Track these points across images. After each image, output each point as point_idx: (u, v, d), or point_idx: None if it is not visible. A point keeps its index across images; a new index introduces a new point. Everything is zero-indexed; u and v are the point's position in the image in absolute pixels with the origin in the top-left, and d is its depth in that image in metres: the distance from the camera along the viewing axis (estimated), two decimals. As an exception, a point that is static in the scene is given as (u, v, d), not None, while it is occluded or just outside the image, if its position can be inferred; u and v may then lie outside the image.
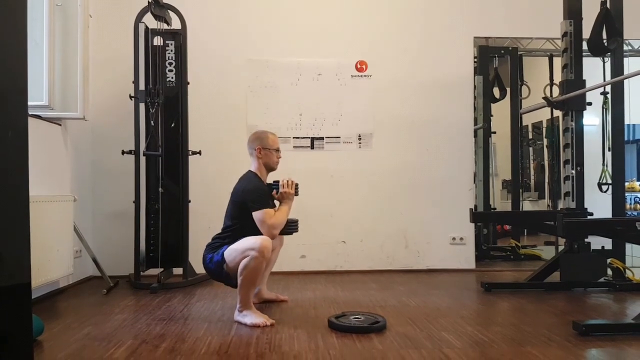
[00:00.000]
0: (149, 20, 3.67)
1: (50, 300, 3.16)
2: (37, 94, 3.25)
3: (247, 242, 2.53)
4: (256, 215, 2.61)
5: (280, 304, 3.04)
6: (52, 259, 3.00)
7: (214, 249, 2.68)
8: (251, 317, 2.55)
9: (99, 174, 4.03)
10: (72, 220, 3.35)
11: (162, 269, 3.64)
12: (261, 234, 2.67)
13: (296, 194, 2.81)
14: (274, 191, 2.76)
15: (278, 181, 2.76)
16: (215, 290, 3.44)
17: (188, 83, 3.73)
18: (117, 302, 3.10)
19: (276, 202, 2.81)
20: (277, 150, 2.85)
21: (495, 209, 5.51)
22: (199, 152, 3.81)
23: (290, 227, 2.80)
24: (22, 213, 1.60)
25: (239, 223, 2.68)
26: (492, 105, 5.30)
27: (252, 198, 2.64)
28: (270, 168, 2.83)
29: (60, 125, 3.50)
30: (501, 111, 5.42)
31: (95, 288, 3.50)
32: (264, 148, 2.79)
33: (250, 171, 2.81)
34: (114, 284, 3.54)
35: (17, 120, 1.59)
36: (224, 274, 2.63)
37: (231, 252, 2.57)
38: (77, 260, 3.53)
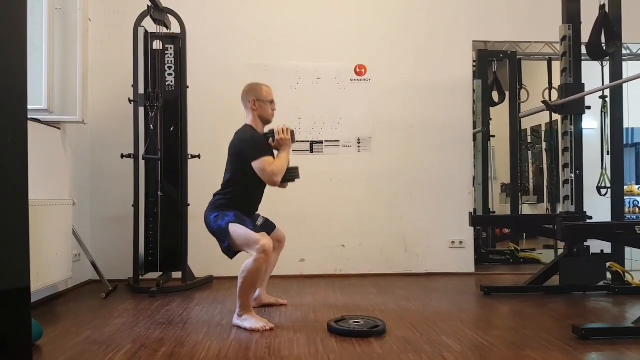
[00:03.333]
0: (149, 24, 3.67)
1: (49, 304, 3.15)
2: (37, 98, 3.24)
3: (251, 235, 2.52)
4: (256, 164, 2.61)
5: (280, 308, 3.03)
6: (51, 263, 3.00)
7: (217, 208, 2.67)
8: (250, 322, 2.54)
9: (98, 178, 4.03)
10: (71, 224, 3.35)
11: (161, 273, 3.63)
12: (261, 191, 2.71)
13: (293, 140, 2.79)
14: (270, 139, 2.75)
15: (273, 130, 2.76)
16: (215, 295, 3.44)
17: (187, 87, 3.73)
18: (116, 306, 3.09)
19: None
20: (272, 102, 2.84)
21: (494, 212, 5.51)
22: (199, 156, 3.81)
23: (292, 173, 2.77)
24: (21, 217, 1.60)
25: (238, 176, 2.68)
26: (491, 109, 5.31)
27: (250, 148, 2.65)
28: (265, 120, 2.83)
29: (59, 129, 3.50)
30: (500, 115, 5.42)
31: (94, 292, 3.49)
32: (258, 100, 2.79)
33: (245, 124, 2.80)
34: (113, 288, 3.53)
35: (17, 124, 1.59)
36: (225, 244, 2.59)
37: (237, 230, 2.55)
38: (76, 264, 3.52)
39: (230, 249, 2.62)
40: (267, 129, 2.84)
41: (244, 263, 2.54)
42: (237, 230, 2.57)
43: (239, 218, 2.61)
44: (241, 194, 2.72)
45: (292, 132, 2.79)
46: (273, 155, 2.75)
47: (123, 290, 3.60)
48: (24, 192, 1.61)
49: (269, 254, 2.52)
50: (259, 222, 2.81)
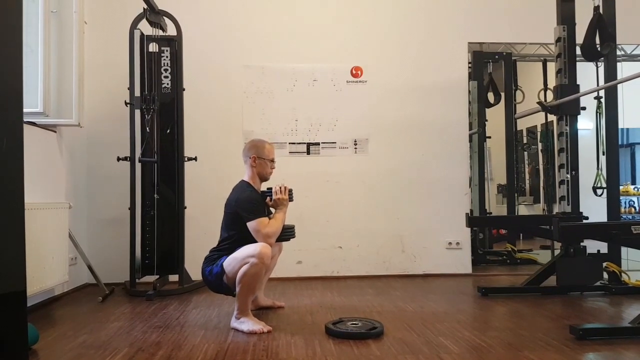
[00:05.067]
0: (145, 27, 3.67)
1: (46, 308, 3.14)
2: (32, 101, 3.24)
3: (246, 250, 2.52)
4: (250, 225, 2.60)
5: (277, 310, 3.03)
6: (47, 267, 2.98)
7: (213, 261, 2.66)
8: (248, 324, 2.54)
9: (94, 181, 4.01)
10: (68, 228, 3.33)
11: (157, 276, 3.63)
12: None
13: (290, 199, 2.79)
14: (268, 198, 2.74)
15: (271, 188, 2.75)
16: (212, 297, 3.43)
17: (184, 89, 3.73)
18: (112, 310, 3.08)
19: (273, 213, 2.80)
20: (272, 160, 2.83)
21: (490, 213, 5.52)
22: (195, 158, 3.81)
23: (287, 233, 2.78)
24: (17, 220, 1.59)
25: (235, 235, 2.66)
26: (487, 110, 5.32)
27: (246, 208, 2.63)
28: (263, 178, 2.82)
29: (55, 132, 3.49)
30: (496, 116, 5.44)
31: (91, 296, 3.48)
32: (259, 157, 2.78)
33: (243, 181, 2.79)
34: (110, 292, 3.51)
35: (13, 127, 1.59)
36: (224, 285, 2.61)
37: (230, 261, 2.56)
38: (72, 268, 3.51)
39: (230, 288, 2.60)
40: (264, 186, 2.82)
41: (242, 268, 2.53)
42: (229, 260, 2.56)
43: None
44: (239, 243, 2.64)
45: (290, 191, 2.78)
46: (270, 213, 2.75)
47: (120, 293, 3.59)
48: (20, 196, 1.60)
49: (266, 259, 2.51)
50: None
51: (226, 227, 2.72)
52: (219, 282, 2.62)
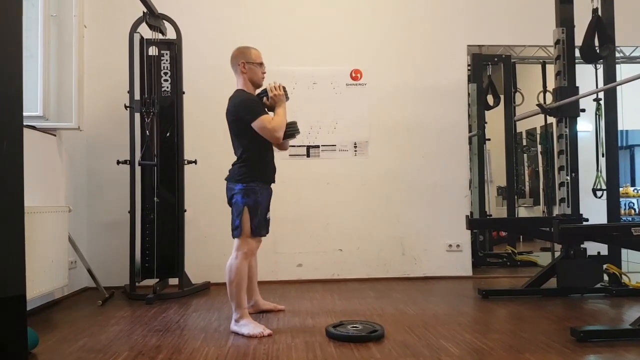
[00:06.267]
0: (144, 30, 3.67)
1: (45, 312, 3.13)
2: (32, 105, 3.24)
3: (247, 234, 2.62)
4: (255, 124, 2.60)
5: (278, 313, 3.02)
6: (47, 271, 2.98)
7: (240, 178, 2.64)
8: (248, 328, 2.54)
9: (94, 184, 4.01)
10: (67, 231, 3.33)
11: (157, 280, 3.62)
12: (270, 146, 2.72)
13: (286, 96, 2.78)
14: (265, 98, 2.74)
15: (265, 89, 2.75)
16: (212, 301, 3.42)
17: (183, 92, 3.73)
18: (112, 314, 3.07)
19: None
20: (261, 64, 2.82)
21: (490, 215, 5.52)
22: (195, 162, 3.81)
23: (291, 128, 2.75)
24: (17, 224, 1.59)
25: (246, 141, 2.66)
26: (486, 112, 5.32)
27: (246, 110, 2.64)
28: (256, 84, 2.80)
29: (55, 135, 3.49)
30: (495, 118, 5.44)
31: (91, 299, 3.47)
32: (248, 62, 2.77)
33: (237, 89, 2.78)
34: (110, 295, 3.51)
35: (12, 131, 1.59)
36: (237, 221, 2.62)
37: (245, 218, 2.60)
38: (72, 272, 3.50)
39: (239, 227, 2.63)
40: (258, 90, 2.82)
41: (226, 265, 2.61)
42: (245, 218, 2.60)
43: (252, 209, 2.63)
44: (255, 158, 2.69)
45: (284, 88, 2.78)
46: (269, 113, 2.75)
47: (119, 297, 3.58)
48: (20, 199, 1.60)
49: (248, 257, 2.64)
50: (269, 216, 2.81)
51: (236, 138, 2.71)
52: (235, 210, 2.63)
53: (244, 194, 2.63)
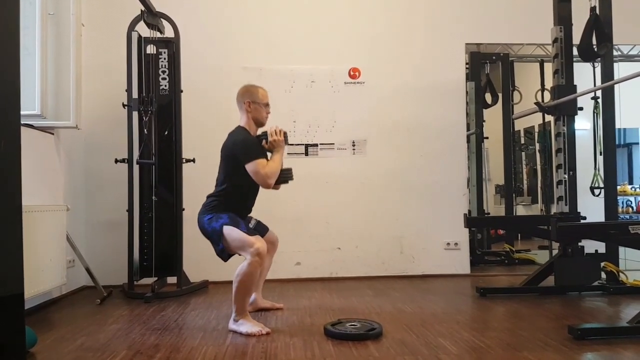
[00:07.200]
0: (142, 29, 3.66)
1: (43, 311, 3.13)
2: (30, 103, 3.23)
3: (245, 237, 2.52)
4: (249, 167, 2.60)
5: (276, 312, 3.02)
6: (45, 269, 2.97)
7: (211, 209, 2.66)
8: (246, 326, 2.53)
9: (92, 183, 4.01)
10: (65, 230, 3.32)
11: (156, 278, 3.62)
12: (255, 193, 2.70)
13: (286, 142, 2.78)
14: (264, 141, 2.74)
15: (266, 132, 2.75)
16: (210, 299, 3.43)
17: (181, 91, 3.73)
18: (111, 312, 3.07)
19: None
20: (267, 105, 2.83)
21: (489, 213, 5.53)
22: (193, 160, 3.80)
23: (285, 175, 2.77)
24: (15, 223, 1.59)
25: (232, 178, 2.67)
26: (485, 110, 5.33)
27: (243, 150, 2.63)
28: (259, 123, 2.81)
29: (52, 134, 3.48)
30: (493, 117, 5.45)
31: (89, 298, 3.46)
32: (254, 102, 2.77)
33: (239, 126, 2.79)
34: (108, 294, 3.51)
35: (10, 129, 1.59)
36: (220, 247, 2.60)
37: (232, 233, 2.55)
38: (70, 270, 3.50)
39: (225, 252, 2.62)
40: (260, 131, 2.83)
41: (238, 267, 2.53)
42: (232, 233, 2.56)
43: (232, 220, 2.61)
44: (235, 196, 2.71)
45: (285, 134, 2.78)
46: (266, 157, 2.74)
47: (118, 296, 3.58)
48: (18, 198, 1.60)
49: (263, 257, 2.52)
50: (252, 224, 2.81)
51: (223, 172, 2.72)
52: (214, 238, 2.61)
53: (216, 219, 2.62)
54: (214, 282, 3.89)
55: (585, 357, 2.13)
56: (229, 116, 4.14)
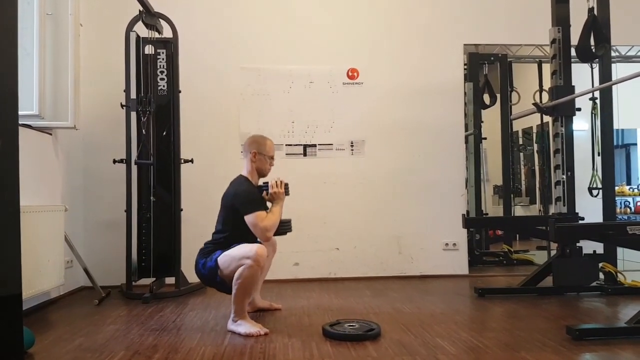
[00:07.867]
0: (140, 29, 3.66)
1: (41, 311, 3.12)
2: (28, 104, 3.22)
3: (242, 250, 2.52)
4: (248, 218, 2.61)
5: (274, 312, 3.02)
6: (43, 270, 2.97)
7: (207, 254, 2.67)
8: (245, 327, 2.53)
9: (90, 183, 4.00)
10: (63, 230, 3.32)
11: (154, 279, 3.61)
12: (253, 239, 2.67)
13: (287, 193, 2.80)
14: (264, 192, 2.75)
15: (267, 182, 2.76)
16: (208, 300, 3.42)
17: (180, 91, 3.72)
18: (109, 313, 3.07)
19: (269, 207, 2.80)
20: (272, 157, 2.86)
21: (487, 214, 5.53)
22: (191, 160, 3.80)
23: (284, 227, 2.79)
24: (12, 223, 1.59)
25: (231, 228, 2.68)
26: (483, 111, 5.34)
27: (244, 202, 2.64)
28: (261, 174, 2.83)
29: (50, 134, 3.47)
30: (491, 117, 5.46)
31: (87, 299, 3.46)
32: (260, 153, 2.79)
33: (241, 175, 2.80)
34: (106, 295, 3.50)
35: (8, 130, 1.58)
36: (217, 280, 2.61)
37: (226, 258, 2.56)
38: (68, 271, 3.49)
39: (225, 284, 2.60)
40: (261, 181, 2.83)
41: (237, 270, 2.53)
42: (224, 257, 2.56)
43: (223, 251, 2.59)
44: (235, 240, 2.65)
45: (286, 185, 2.80)
46: (266, 208, 2.75)
47: (116, 296, 3.57)
48: (16, 199, 1.60)
49: (263, 260, 2.53)
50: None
51: (222, 221, 2.73)
52: (212, 276, 2.62)
53: (210, 259, 2.61)
54: (212, 283, 3.88)
55: (583, 357, 2.13)
56: (227, 117, 4.18)
